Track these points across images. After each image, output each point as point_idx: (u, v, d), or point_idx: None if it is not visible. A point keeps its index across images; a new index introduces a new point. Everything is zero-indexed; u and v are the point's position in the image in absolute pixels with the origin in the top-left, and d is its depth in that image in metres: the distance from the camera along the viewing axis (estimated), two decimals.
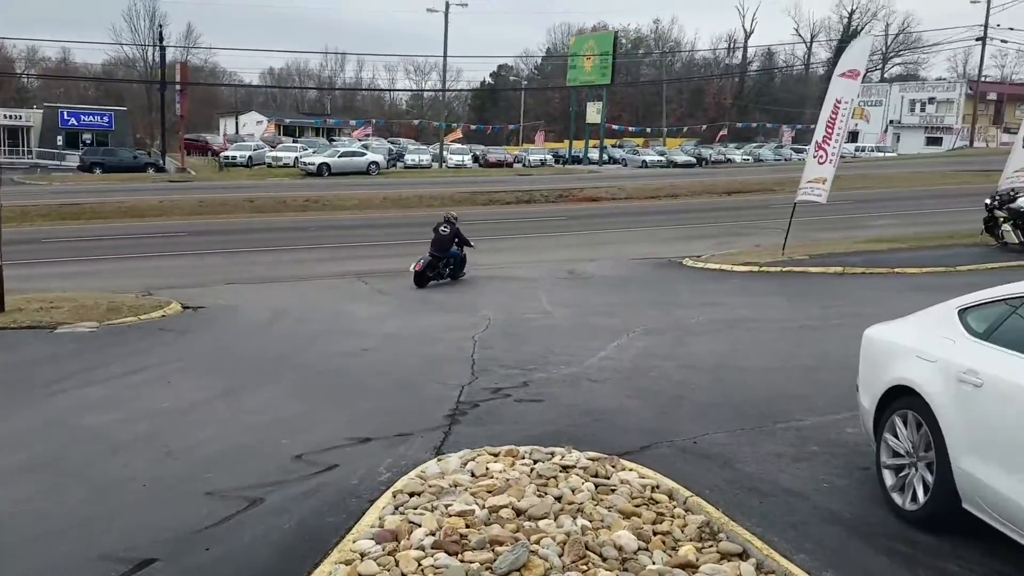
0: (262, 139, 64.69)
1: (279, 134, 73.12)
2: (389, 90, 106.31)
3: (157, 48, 57.64)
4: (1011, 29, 58.28)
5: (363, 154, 48.61)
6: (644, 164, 58.04)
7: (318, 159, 46.38)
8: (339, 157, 46.68)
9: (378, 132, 77.29)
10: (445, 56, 58.85)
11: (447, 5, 55.13)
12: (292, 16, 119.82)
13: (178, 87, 51.98)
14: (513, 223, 26.28)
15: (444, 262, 15.34)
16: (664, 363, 8.54)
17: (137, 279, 15.75)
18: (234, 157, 52.50)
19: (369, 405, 7.30)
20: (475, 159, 59.69)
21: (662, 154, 61.98)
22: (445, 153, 58.29)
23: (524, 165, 58.13)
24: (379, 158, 48.74)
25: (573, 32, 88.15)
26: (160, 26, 62.50)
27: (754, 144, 73.40)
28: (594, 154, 62.09)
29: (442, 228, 15.49)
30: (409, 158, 56.22)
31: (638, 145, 72.36)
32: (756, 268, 15.71)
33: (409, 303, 13.19)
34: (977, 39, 60.64)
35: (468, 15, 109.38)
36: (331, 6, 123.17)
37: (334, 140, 68.08)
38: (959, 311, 4.50)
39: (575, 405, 6.97)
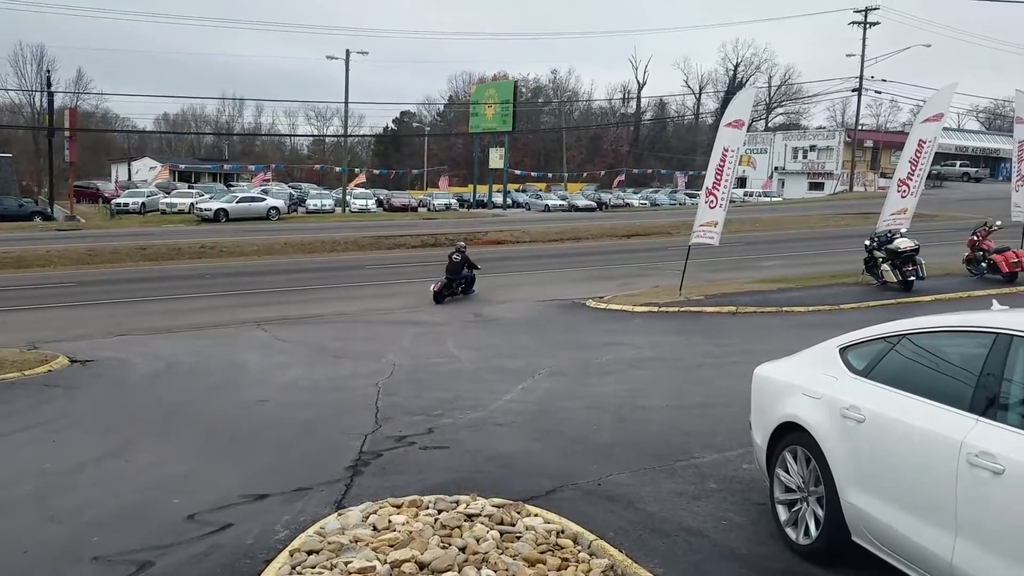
0: (156, 185, 62.56)
1: (175, 180, 70.94)
2: (290, 135, 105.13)
3: (45, 93, 55.13)
4: (884, 81, 62.60)
5: (262, 199, 47.65)
6: (547, 208, 59.07)
7: (215, 205, 45.20)
8: (237, 203, 45.62)
9: (279, 177, 76.08)
10: (347, 102, 58.81)
11: (347, 53, 55.24)
12: (188, 61, 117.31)
13: (67, 133, 49.92)
14: (419, 267, 26.17)
15: (457, 283, 18.71)
16: (569, 404, 8.62)
17: (22, 332, 14.85)
18: (126, 204, 50.51)
19: (267, 459, 7.06)
20: (379, 203, 59.39)
21: (564, 198, 63.26)
22: (348, 197, 57.81)
23: (429, 209, 58.21)
24: (279, 203, 47.86)
25: (474, 80, 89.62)
26: (48, 71, 59.95)
27: (651, 189, 75.85)
28: (498, 198, 62.85)
29: (454, 255, 18.85)
30: (311, 203, 55.45)
31: (541, 190, 73.73)
32: (656, 308, 16.13)
33: (311, 351, 12.89)
34: (853, 90, 64.92)
35: (370, 62, 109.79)
36: (229, 52, 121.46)
37: (232, 185, 66.59)
38: (840, 349, 4.74)
39: (481, 450, 6.94)
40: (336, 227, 40.60)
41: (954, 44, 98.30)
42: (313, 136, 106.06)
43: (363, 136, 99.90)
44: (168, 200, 50.92)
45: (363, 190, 63.72)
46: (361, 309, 17.39)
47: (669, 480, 5.98)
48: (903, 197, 18.68)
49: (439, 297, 18.13)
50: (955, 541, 3.52)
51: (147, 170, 76.00)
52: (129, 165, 77.18)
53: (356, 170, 72.33)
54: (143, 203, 50.63)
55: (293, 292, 20.63)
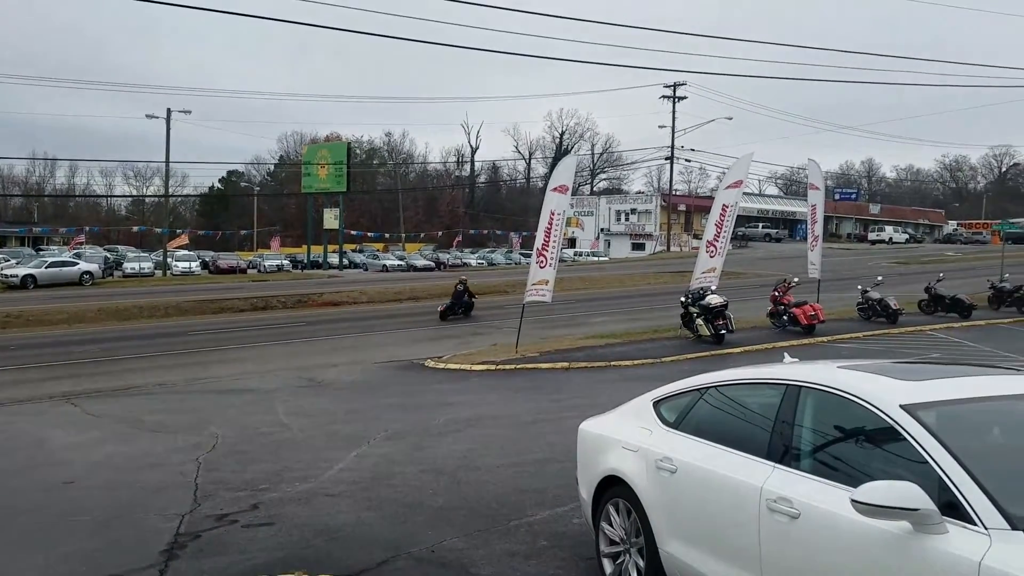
0: None
1: None
2: (107, 196, 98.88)
3: None
4: (693, 150, 68.09)
5: (75, 263, 44.31)
6: (385, 268, 58.76)
7: (22, 270, 41.56)
8: (47, 268, 42.17)
9: (95, 240, 71.16)
10: (167, 162, 56.20)
11: (168, 112, 53.06)
12: None
13: None
14: (247, 332, 25.13)
15: (459, 306, 26.51)
16: (405, 469, 8.50)
17: None
18: None
19: (71, 547, 6.43)
20: (204, 265, 56.82)
21: (402, 258, 63.25)
22: (170, 260, 54.88)
23: (259, 271, 56.28)
24: (93, 267, 44.69)
25: (306, 141, 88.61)
26: None
27: (487, 249, 77.44)
28: (334, 259, 61.81)
29: (458, 286, 26.92)
30: (128, 266, 52.19)
31: (378, 250, 73.28)
32: (494, 367, 16.35)
33: (125, 425, 11.97)
34: (666, 159, 69.90)
35: (193, 122, 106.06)
36: (38, 110, 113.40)
37: (42, 249, 61.56)
38: (654, 403, 5.00)
39: (310, 524, 6.68)
40: (156, 291, 38.34)
41: (754, 117, 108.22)
42: (132, 196, 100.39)
43: (187, 196, 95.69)
44: None
45: (186, 252, 60.74)
46: (183, 379, 16.43)
47: (502, 541, 6.00)
48: (711, 257, 20.17)
49: (444, 316, 25.89)
50: None
51: None
52: None
53: (178, 231, 68.82)
54: None
55: (107, 362, 19.19)
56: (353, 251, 69.33)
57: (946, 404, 3.59)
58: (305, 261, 62.83)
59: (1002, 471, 3.24)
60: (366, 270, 59.94)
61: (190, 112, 54.59)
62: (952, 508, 3.05)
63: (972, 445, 3.39)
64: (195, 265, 55.28)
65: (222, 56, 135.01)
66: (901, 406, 3.48)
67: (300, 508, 7.17)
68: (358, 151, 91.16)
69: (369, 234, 77.35)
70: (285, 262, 59.70)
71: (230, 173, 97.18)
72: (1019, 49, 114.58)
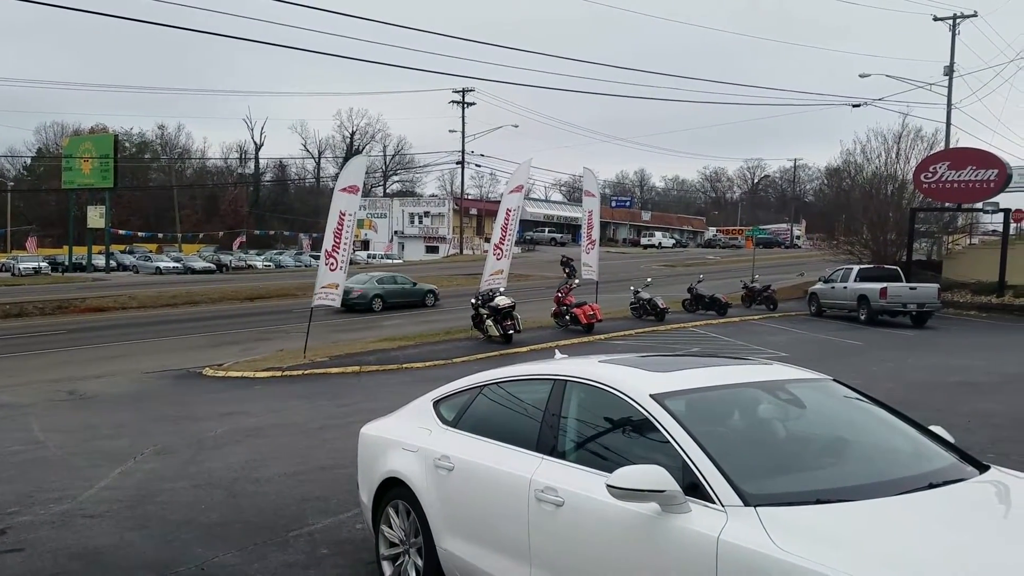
0: None
1: None
2: None
3: None
4: (482, 156, 69.67)
5: None
6: (159, 271, 54.85)
7: None
8: None
9: None
10: None
11: None
12: None
13: None
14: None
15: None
16: (175, 485, 7.99)
17: None
18: None
19: None
20: None
21: (178, 260, 59.30)
22: None
23: (13, 274, 50.61)
24: None
25: (67, 133, 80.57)
26: None
27: (275, 251, 74.55)
28: (100, 260, 56.70)
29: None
30: None
31: (151, 251, 68.28)
32: (279, 373, 15.81)
33: None
34: (457, 163, 71.02)
35: None
36: None
37: None
38: (434, 402, 5.07)
39: (66, 548, 6.10)
40: None
41: (540, 126, 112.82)
42: None
43: None
44: None
45: None
46: None
47: (280, 552, 5.82)
48: (498, 259, 20.86)
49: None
50: (531, 571, 3.93)
51: None
52: None
53: None
54: None
55: None
56: (122, 252, 64.13)
57: (691, 392, 3.91)
58: (67, 263, 57.19)
59: (739, 453, 3.57)
60: (137, 272, 55.63)
61: None
62: (695, 489, 3.30)
63: (713, 430, 3.74)
64: None
65: None
66: (651, 395, 3.75)
67: (55, 531, 6.53)
68: (127, 144, 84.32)
69: (140, 234, 71.89)
70: (43, 264, 54.09)
71: None
72: (773, 69, 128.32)
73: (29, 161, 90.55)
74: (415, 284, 31.91)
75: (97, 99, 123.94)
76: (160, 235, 76.19)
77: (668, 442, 3.51)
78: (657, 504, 3.30)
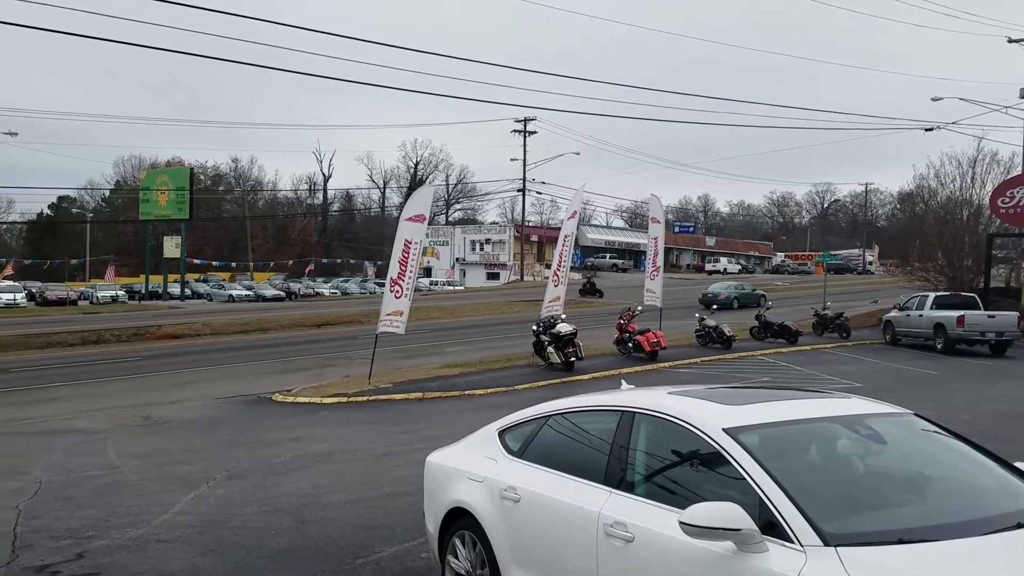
0: None
1: None
2: None
3: None
4: (544, 183, 70.04)
5: None
6: (231, 298, 56.38)
7: None
8: None
9: None
10: None
11: None
12: None
13: None
14: (77, 368, 23.38)
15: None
16: (245, 510, 8.13)
17: None
18: None
19: None
20: (31, 297, 52.52)
21: (250, 288, 60.87)
22: None
23: (92, 302, 52.65)
24: None
25: (145, 166, 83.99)
26: None
27: (341, 279, 75.98)
28: (175, 289, 58.67)
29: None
30: None
31: (224, 279, 70.29)
32: (345, 399, 16.00)
33: None
34: (518, 191, 71.49)
35: (21, 144, 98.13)
36: None
37: None
38: (499, 432, 5.05)
39: (140, 573, 6.24)
40: None
41: (601, 153, 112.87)
42: None
43: (12, 223, 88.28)
44: None
45: (11, 283, 55.89)
46: (3, 419, 15.09)
47: None
48: (556, 286, 20.90)
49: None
50: None
51: None
52: None
53: (3, 261, 63.32)
54: None
55: None
56: (196, 281, 66.17)
57: (766, 427, 3.81)
58: (143, 291, 59.30)
59: (817, 490, 3.46)
60: (211, 300, 57.29)
61: (16, 134, 50.58)
62: (772, 527, 3.20)
63: (790, 466, 3.62)
64: (20, 296, 50.92)
65: (53, 76, 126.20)
66: (724, 429, 3.67)
67: (130, 556, 6.70)
68: (202, 177, 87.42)
69: (214, 263, 74.09)
70: (121, 293, 56.16)
71: (61, 199, 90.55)
72: (841, 95, 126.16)
73: (108, 193, 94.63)
74: None
75: (174, 133, 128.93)
76: (233, 264, 78.52)
77: (743, 478, 3.44)
78: (732, 543, 3.21)
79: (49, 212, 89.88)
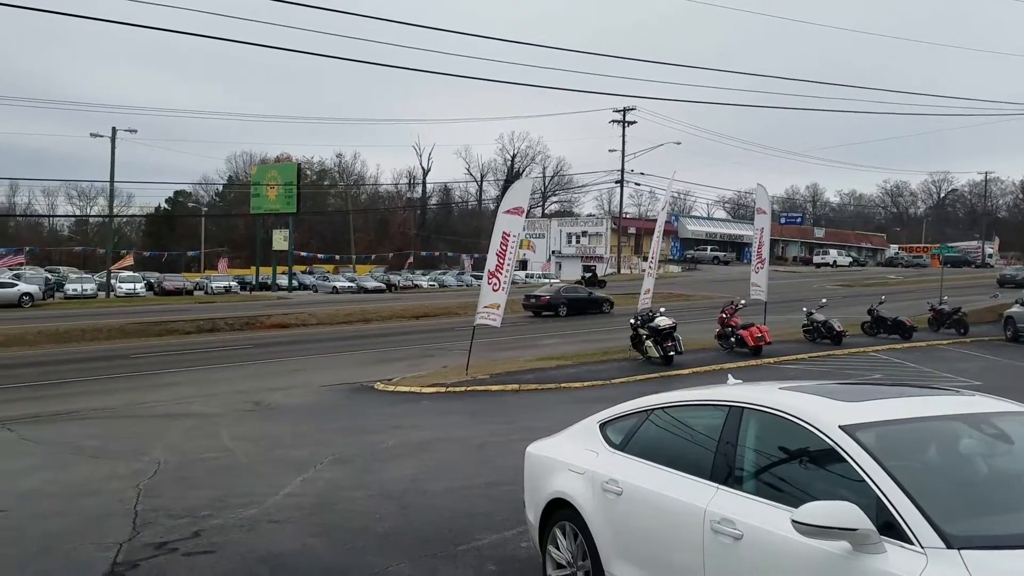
0: None
1: None
2: (49, 216, 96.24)
3: None
4: (642, 174, 68.97)
5: (13, 285, 43.05)
6: (335, 290, 58.14)
7: None
8: None
9: (35, 260, 69.28)
10: (112, 181, 55.03)
11: (113, 131, 52.02)
12: None
13: None
14: (193, 354, 24.61)
15: None
16: (352, 494, 8.37)
17: None
18: None
19: None
20: (150, 287, 55.60)
21: (353, 280, 62.63)
22: (114, 281, 53.54)
23: (206, 292, 55.28)
24: (33, 288, 43.45)
25: (255, 161, 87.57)
26: None
27: (439, 271, 77.23)
28: (283, 280, 60.97)
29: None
30: (70, 287, 50.76)
31: (328, 271, 72.52)
32: (443, 389, 16.25)
33: (63, 451, 11.59)
34: (616, 182, 70.78)
35: (140, 141, 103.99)
36: None
37: None
38: (600, 425, 5.01)
39: (252, 552, 6.51)
40: (99, 313, 37.37)
41: (702, 141, 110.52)
42: (75, 216, 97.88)
43: (132, 216, 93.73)
44: None
45: (131, 273, 59.37)
46: (124, 403, 15.99)
47: (450, 566, 5.93)
48: (651, 275, 20.84)
49: None
50: None
51: None
52: None
53: (123, 252, 67.32)
54: None
55: (46, 386, 18.59)
56: (303, 272, 68.55)
57: (884, 424, 3.65)
58: (254, 283, 61.89)
59: (938, 490, 3.30)
60: (316, 292, 59.27)
61: (136, 132, 53.60)
62: (890, 528, 3.08)
63: (909, 465, 3.46)
64: (140, 287, 54.04)
65: (170, 76, 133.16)
66: (840, 427, 3.53)
67: (243, 535, 6.99)
68: (309, 172, 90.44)
69: (319, 255, 76.55)
70: (233, 284, 58.74)
71: (177, 193, 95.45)
72: (958, 79, 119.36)
73: (221, 188, 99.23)
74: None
75: (282, 130, 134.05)
76: (336, 256, 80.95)
77: (859, 477, 3.31)
78: (848, 543, 3.10)
79: (166, 206, 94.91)
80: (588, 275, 57.65)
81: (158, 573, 6.10)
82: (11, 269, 57.02)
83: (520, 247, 20.23)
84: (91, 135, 52.55)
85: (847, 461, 3.39)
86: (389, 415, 13.83)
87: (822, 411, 3.72)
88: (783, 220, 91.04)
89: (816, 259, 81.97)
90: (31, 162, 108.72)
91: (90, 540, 7.01)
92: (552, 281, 58.88)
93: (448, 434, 11.91)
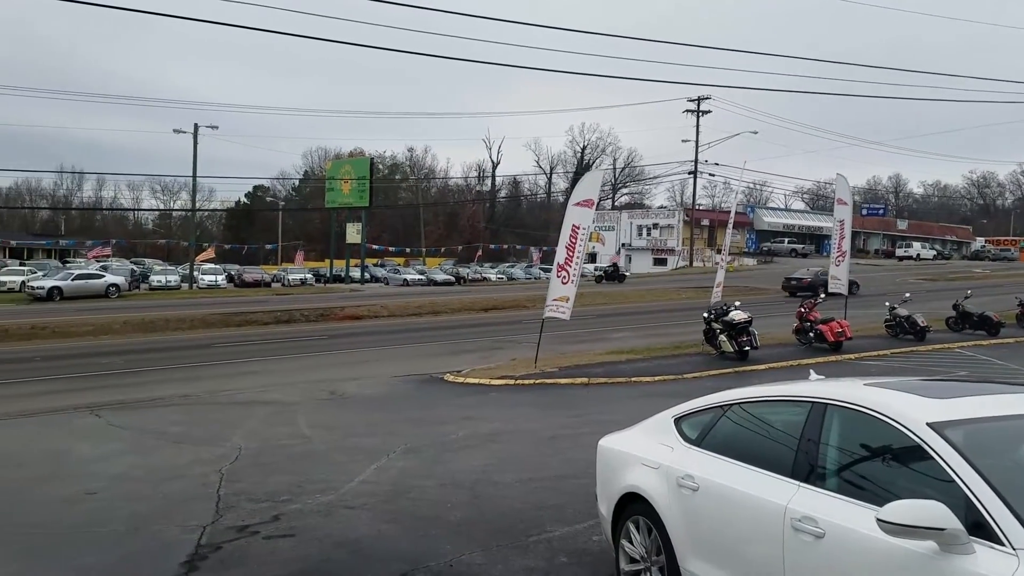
0: None
1: (5, 256, 65.92)
2: (134, 210, 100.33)
3: None
4: (716, 164, 67.73)
5: (101, 276, 44.98)
6: (406, 282, 58.98)
7: (48, 283, 42.24)
8: (73, 280, 42.85)
9: (121, 252, 72.26)
10: (195, 176, 56.93)
11: (195, 127, 53.81)
12: (20, 134, 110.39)
13: None
14: (271, 344, 25.31)
15: None
16: (424, 483, 8.49)
17: None
18: None
19: (92, 559, 6.47)
20: (230, 279, 57.39)
21: (423, 273, 63.42)
22: (196, 273, 55.47)
23: (283, 284, 56.76)
24: (120, 280, 45.32)
25: (330, 156, 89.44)
26: None
27: (507, 264, 77.49)
28: (356, 273, 62.18)
29: None
30: (155, 279, 52.81)
31: (399, 264, 73.62)
32: (512, 381, 16.28)
33: (148, 437, 12.07)
34: (689, 173, 69.63)
35: (220, 137, 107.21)
36: (67, 124, 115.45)
37: (68, 262, 62.56)
38: (675, 419, 4.95)
39: (330, 536, 6.68)
40: (182, 304, 38.75)
41: (779, 130, 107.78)
42: (159, 210, 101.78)
43: (213, 211, 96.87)
44: None
45: (212, 265, 61.44)
46: (206, 390, 16.55)
47: (521, 557, 5.96)
48: (722, 268, 20.49)
49: None
50: None
51: None
52: None
53: (205, 245, 69.63)
54: None
55: (132, 374, 19.38)
56: (374, 265, 69.73)
57: (973, 422, 3.54)
58: (328, 275, 63.28)
59: None
60: (387, 284, 60.22)
61: (217, 128, 55.39)
62: (979, 528, 3.01)
63: (1000, 464, 3.35)
64: (221, 278, 55.88)
65: (248, 73, 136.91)
66: (928, 424, 3.43)
67: (321, 520, 7.17)
68: (381, 166, 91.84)
69: (390, 248, 77.72)
70: (308, 276, 60.15)
71: (256, 188, 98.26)
72: None
73: (297, 183, 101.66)
74: None
75: (356, 125, 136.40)
76: (407, 249, 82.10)
77: (947, 475, 3.22)
78: (935, 543, 3.03)
79: (245, 200, 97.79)
80: (610, 268, 59.14)
81: (240, 555, 6.31)
82: (99, 261, 59.75)
83: (589, 240, 20.06)
84: (174, 131, 54.49)
85: (934, 459, 3.31)
86: (458, 406, 13.95)
87: (909, 408, 3.62)
88: (864, 212, 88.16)
89: (899, 252, 79.19)
90: (114, 157, 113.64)
91: (175, 522, 7.29)
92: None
93: (517, 426, 11.95)
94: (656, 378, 16.01)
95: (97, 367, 20.62)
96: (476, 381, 16.61)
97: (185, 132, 53.98)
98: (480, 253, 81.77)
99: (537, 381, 16.22)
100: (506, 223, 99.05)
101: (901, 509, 3.04)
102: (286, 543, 6.56)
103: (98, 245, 67.91)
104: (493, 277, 67.19)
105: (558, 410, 13.37)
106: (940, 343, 20.70)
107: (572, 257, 17.79)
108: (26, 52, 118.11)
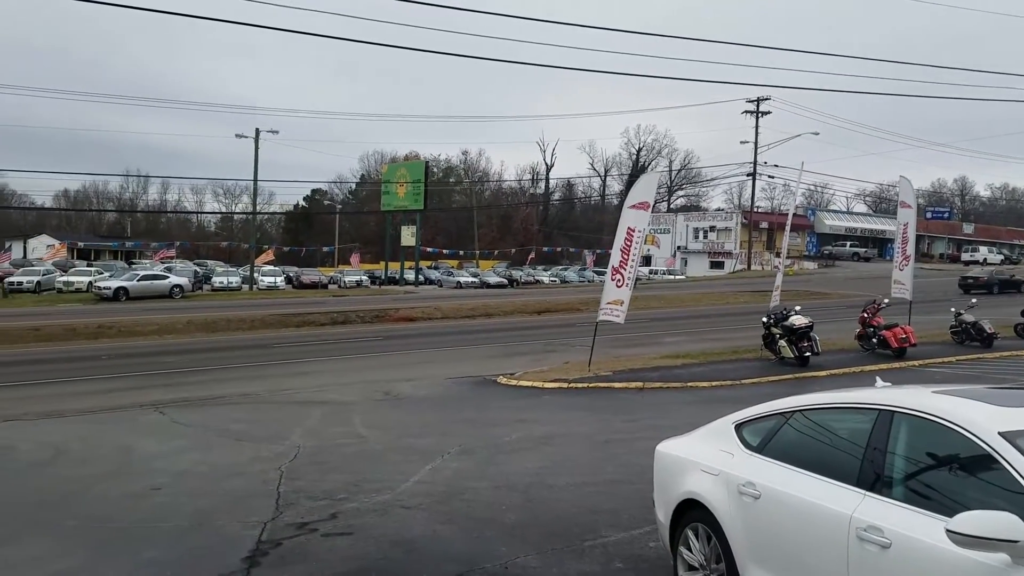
0: (52, 263, 60.00)
1: (73, 257, 68.37)
2: (197, 212, 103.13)
3: None
4: (776, 166, 66.35)
5: (165, 277, 46.29)
6: (459, 285, 59.33)
7: (115, 283, 43.62)
8: (138, 281, 44.18)
9: (184, 254, 74.30)
10: (255, 180, 58.28)
11: (257, 132, 55.04)
12: (91, 138, 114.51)
13: None
14: (328, 345, 25.72)
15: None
16: (478, 484, 8.52)
17: None
18: (20, 283, 48.06)
19: (158, 552, 6.67)
20: (288, 280, 58.50)
21: (476, 275, 63.73)
22: (256, 275, 56.69)
23: (340, 286, 57.63)
24: (183, 281, 46.58)
25: (386, 160, 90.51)
26: None
27: (560, 267, 77.34)
28: (410, 275, 62.80)
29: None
30: (217, 280, 54.12)
31: (453, 267, 74.12)
32: (566, 385, 16.23)
33: (211, 434, 12.38)
34: (748, 175, 68.49)
35: (280, 141, 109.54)
36: (134, 129, 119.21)
37: (134, 263, 64.60)
38: (736, 425, 4.87)
39: (386, 535, 6.75)
40: (243, 305, 39.63)
41: (841, 132, 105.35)
42: (221, 213, 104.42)
43: (273, 213, 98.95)
44: (65, 279, 48.88)
45: (271, 267, 62.71)
46: (266, 389, 16.89)
47: (576, 561, 5.94)
48: (781, 272, 20.07)
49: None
50: None
51: (44, 248, 73.10)
52: (25, 243, 74.02)
53: (265, 247, 71.16)
54: (38, 282, 48.36)
55: (195, 373, 19.88)
56: (429, 268, 70.35)
57: None
58: (383, 277, 64.06)
59: None
60: (441, 286, 60.68)
61: (277, 132, 56.52)
62: None
63: None
64: (280, 280, 57.00)
65: (308, 78, 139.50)
66: (1000, 433, 3.33)
67: (377, 519, 7.26)
68: (435, 169, 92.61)
69: (444, 251, 78.35)
70: (364, 278, 60.95)
71: (314, 191, 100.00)
72: None
73: (354, 186, 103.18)
74: None
75: (412, 128, 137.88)
76: (461, 252, 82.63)
77: (1020, 486, 3.13)
78: (1007, 555, 2.94)
79: (304, 204, 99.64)
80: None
81: (300, 551, 6.43)
82: (163, 262, 61.52)
83: (644, 243, 19.87)
84: (236, 135, 55.91)
85: (1006, 469, 3.21)
86: (512, 409, 13.97)
87: (980, 416, 3.51)
88: (929, 215, 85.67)
89: (965, 256, 76.64)
90: (177, 160, 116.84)
91: (237, 518, 7.46)
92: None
93: (570, 429, 11.91)
94: (713, 383, 15.79)
95: (161, 365, 21.21)
96: (529, 384, 16.60)
97: (246, 137, 55.30)
98: (533, 256, 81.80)
99: (591, 385, 16.14)
100: (559, 226, 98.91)
101: (972, 520, 2.95)
102: (344, 541, 6.65)
103: (163, 247, 69.96)
104: (546, 280, 67.12)
105: (612, 414, 13.28)
106: (1008, 350, 19.98)
107: (627, 260, 17.66)
108: (115, 61, 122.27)
